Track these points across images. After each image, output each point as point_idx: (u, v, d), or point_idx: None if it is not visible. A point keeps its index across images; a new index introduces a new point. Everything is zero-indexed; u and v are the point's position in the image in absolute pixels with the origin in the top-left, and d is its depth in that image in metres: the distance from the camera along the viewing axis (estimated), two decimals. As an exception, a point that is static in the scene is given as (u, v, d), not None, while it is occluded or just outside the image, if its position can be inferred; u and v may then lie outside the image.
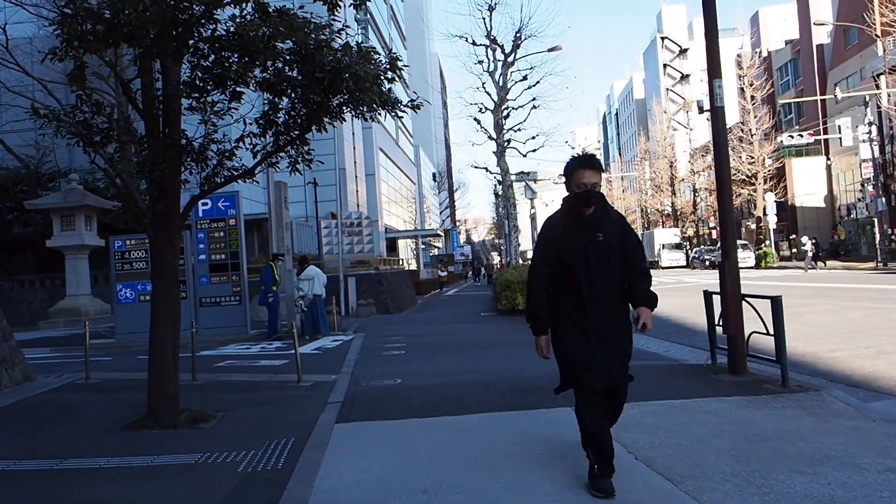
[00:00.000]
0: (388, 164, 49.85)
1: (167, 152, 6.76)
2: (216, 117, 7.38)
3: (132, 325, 15.93)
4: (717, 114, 7.46)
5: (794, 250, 41.86)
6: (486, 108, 28.79)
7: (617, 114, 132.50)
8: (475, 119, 28.64)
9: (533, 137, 28.44)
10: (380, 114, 7.12)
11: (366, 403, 7.20)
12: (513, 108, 28.44)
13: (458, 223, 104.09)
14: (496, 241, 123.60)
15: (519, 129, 28.76)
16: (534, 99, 28.05)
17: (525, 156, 27.91)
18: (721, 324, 7.95)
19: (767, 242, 48.05)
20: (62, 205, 23.10)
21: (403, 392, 7.72)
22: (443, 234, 65.02)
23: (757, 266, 44.44)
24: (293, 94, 6.83)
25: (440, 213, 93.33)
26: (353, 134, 37.83)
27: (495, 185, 49.60)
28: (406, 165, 59.65)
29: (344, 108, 6.80)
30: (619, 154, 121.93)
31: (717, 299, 8.10)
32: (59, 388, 9.08)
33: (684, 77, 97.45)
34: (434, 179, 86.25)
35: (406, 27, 71.95)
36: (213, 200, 15.96)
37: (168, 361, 6.81)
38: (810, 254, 35.94)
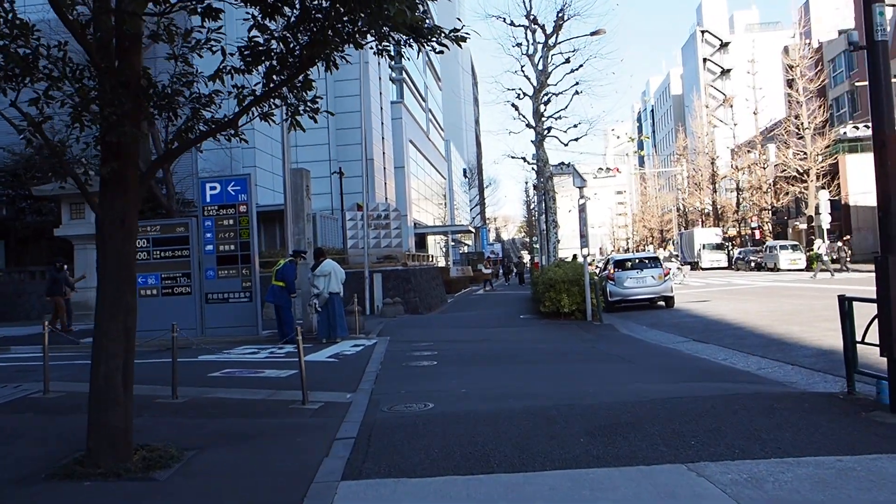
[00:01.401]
0: (419, 158, 47.99)
1: (118, 94, 4.85)
2: (190, 52, 5.49)
3: (131, 322, 14.20)
4: (876, 50, 5.38)
5: (844, 253, 38.93)
6: (525, 94, 26.71)
7: (653, 110, 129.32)
8: (513, 105, 26.57)
9: (575, 125, 26.11)
10: (410, 44, 5.14)
11: (386, 443, 5.25)
12: (553, 94, 26.38)
13: (487, 221, 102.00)
14: (526, 239, 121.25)
15: (559, 117, 26.67)
16: (576, 84, 25.92)
17: (566, 145, 25.86)
18: (863, 340, 5.88)
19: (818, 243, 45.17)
20: (71, 191, 21.52)
21: (437, 424, 5.76)
22: (473, 231, 62.97)
23: (808, 268, 41.77)
24: (289, 11, 4.89)
25: (470, 210, 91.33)
26: (382, 124, 36.01)
27: (532, 177, 47.51)
28: (436, 159, 57.76)
29: (357, 30, 4.83)
30: (655, 151, 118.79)
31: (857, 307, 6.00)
32: (5, 405, 7.27)
33: (725, 72, 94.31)
34: (465, 175, 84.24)
35: (437, 15, 70.01)
36: (222, 184, 14.16)
37: (114, 386, 4.92)
38: (825, 257, 33.13)
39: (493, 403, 6.72)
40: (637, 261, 20.52)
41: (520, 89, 26.73)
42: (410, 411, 6.51)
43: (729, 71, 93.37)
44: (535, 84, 25.91)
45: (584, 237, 15.48)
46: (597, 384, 7.78)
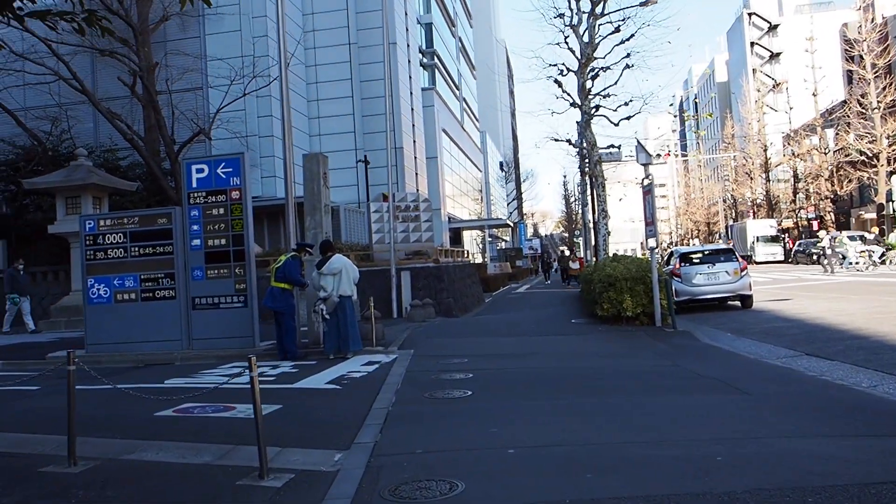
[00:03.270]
0: (453, 148, 45.35)
1: None
2: None
3: (107, 332, 11.90)
4: None
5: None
6: (569, 69, 23.88)
7: (696, 99, 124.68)
8: (556, 81, 23.74)
9: (626, 103, 23.15)
10: None
11: None
12: (601, 69, 23.50)
13: (525, 216, 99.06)
14: (565, 234, 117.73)
15: (608, 95, 23.77)
16: (627, 55, 23.00)
17: (617, 124, 23.01)
18: None
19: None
20: (65, 184, 19.43)
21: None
22: (511, 226, 60.09)
23: (882, 261, 38.13)
24: None
25: (507, 204, 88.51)
26: (413, 110, 33.45)
27: (574, 165, 44.62)
28: (472, 151, 55.03)
29: None
30: (699, 142, 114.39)
31: None
32: None
33: (774, 56, 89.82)
34: (501, 169, 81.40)
35: (473, 7, 67.24)
36: (211, 166, 11.69)
37: None
38: (829, 251, 29.85)
39: (561, 482, 4.07)
40: (707, 253, 17.59)
41: (563, 64, 23.94)
42: (427, 500, 3.90)
43: (779, 55, 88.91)
44: (579, 57, 23.08)
45: (651, 225, 12.69)
46: (715, 437, 5.07)
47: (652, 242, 12.80)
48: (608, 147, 24.04)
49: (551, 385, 7.59)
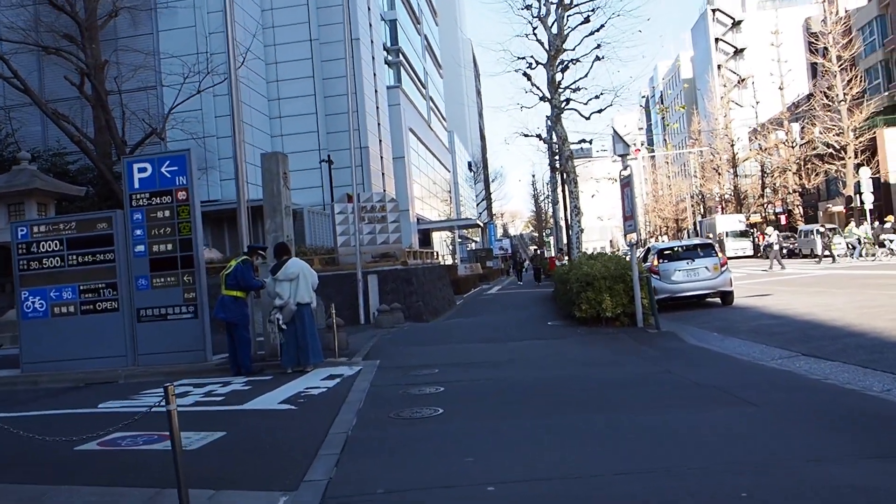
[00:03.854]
0: (420, 148, 44.45)
1: None
2: None
3: (44, 349, 10.85)
4: None
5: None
6: (537, 62, 23.17)
7: (662, 97, 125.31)
8: (524, 74, 23.00)
9: (597, 96, 22.51)
10: None
11: None
12: (571, 62, 22.81)
13: (494, 216, 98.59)
14: (534, 233, 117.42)
15: (578, 88, 23.11)
16: (598, 46, 22.37)
17: (588, 118, 22.33)
18: None
19: (864, 227, 41.43)
20: (6, 189, 18.19)
21: None
22: (481, 226, 59.37)
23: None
24: None
25: (476, 205, 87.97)
26: (378, 108, 32.51)
27: (543, 162, 44.15)
28: (440, 151, 54.18)
29: None
30: (666, 139, 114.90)
31: None
32: None
33: (738, 51, 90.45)
34: (470, 169, 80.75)
35: (438, 4, 66.42)
36: (154, 164, 10.69)
37: None
38: (776, 247, 30.50)
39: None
40: (686, 248, 16.96)
41: (531, 57, 23.24)
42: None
43: (743, 50, 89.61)
44: (548, 50, 22.35)
45: (631, 220, 11.97)
46: (731, 463, 4.30)
47: (633, 238, 12.09)
48: (579, 142, 23.40)
49: (532, 400, 6.77)
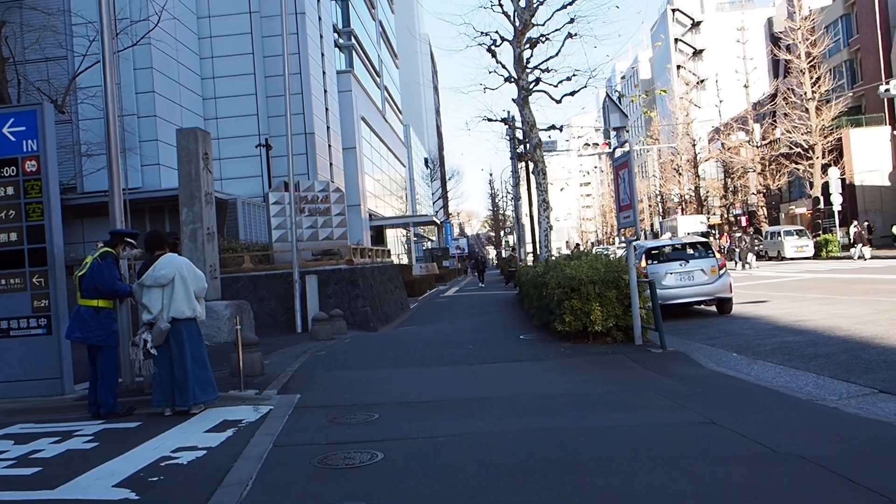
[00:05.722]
0: (374, 140, 41.61)
1: None
2: None
3: None
4: None
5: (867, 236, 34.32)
6: (503, 38, 20.72)
7: (620, 97, 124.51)
8: (489, 50, 20.49)
9: (569, 78, 20.14)
10: None
11: None
12: (541, 39, 20.38)
13: (451, 216, 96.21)
14: (491, 233, 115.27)
15: (548, 69, 20.72)
16: (571, 21, 20.00)
17: (559, 101, 19.93)
18: None
19: (834, 229, 40.14)
20: None
21: None
22: (438, 224, 56.77)
23: (816, 256, 36.84)
24: None
25: (433, 203, 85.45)
26: (326, 92, 29.62)
27: (503, 153, 41.85)
28: (395, 144, 51.37)
29: None
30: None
31: None
32: None
33: (697, 53, 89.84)
34: (426, 165, 78.11)
35: (397, 2, 63.60)
36: (-5, 123, 7.81)
37: None
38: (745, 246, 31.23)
39: None
40: (678, 247, 14.63)
41: (496, 32, 20.75)
42: None
43: (702, 52, 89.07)
44: (515, 24, 19.91)
45: (628, 210, 9.50)
46: None
47: (631, 233, 9.65)
48: (549, 128, 20.97)
49: (527, 491, 4.17)
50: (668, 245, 14.74)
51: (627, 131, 9.60)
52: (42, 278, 7.60)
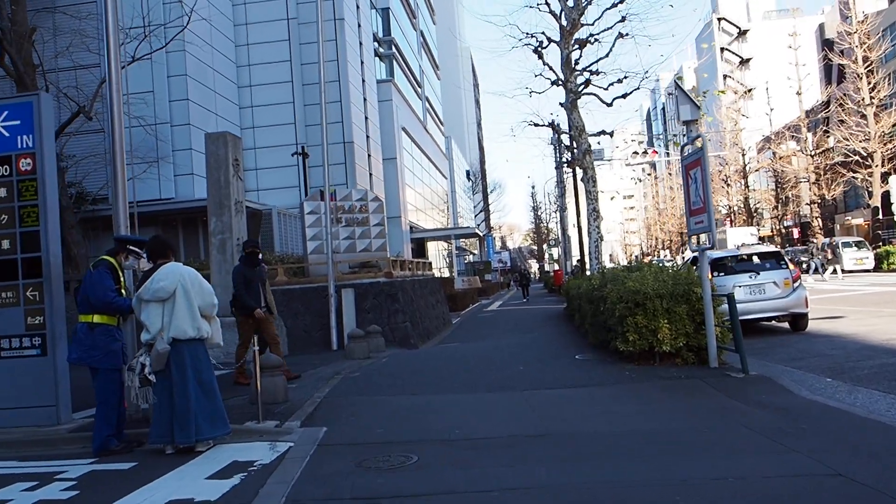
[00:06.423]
0: (415, 151, 40.79)
1: None
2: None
3: None
4: None
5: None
6: (550, 40, 19.64)
7: (664, 108, 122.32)
8: (535, 51, 19.43)
9: (620, 80, 18.95)
10: None
11: None
12: (589, 39, 19.24)
13: (492, 229, 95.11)
14: (533, 247, 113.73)
15: (597, 71, 19.57)
16: (622, 20, 18.82)
17: (610, 104, 18.74)
18: None
19: (895, 240, 37.98)
20: None
21: None
22: (480, 236, 55.66)
23: (877, 269, 34.84)
24: None
25: (474, 217, 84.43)
26: (365, 101, 28.87)
27: (548, 160, 40.83)
28: (436, 156, 50.51)
29: None
30: (668, 151, 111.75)
31: None
32: None
33: (744, 62, 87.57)
34: (468, 178, 77.17)
35: (438, 13, 63.00)
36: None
37: None
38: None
39: None
40: (748, 258, 13.30)
41: (542, 33, 19.68)
42: None
43: (748, 60, 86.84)
44: (563, 24, 18.84)
45: (700, 214, 8.32)
46: None
47: (704, 240, 8.46)
48: (599, 133, 19.77)
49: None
50: (736, 255, 13.42)
51: (700, 125, 8.42)
52: (37, 292, 6.73)
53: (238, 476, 4.80)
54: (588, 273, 18.56)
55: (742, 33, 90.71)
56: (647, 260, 59.55)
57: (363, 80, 28.47)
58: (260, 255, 10.27)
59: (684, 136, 9.68)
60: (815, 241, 41.05)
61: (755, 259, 13.07)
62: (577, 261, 27.01)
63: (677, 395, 7.12)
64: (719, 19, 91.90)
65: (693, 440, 5.33)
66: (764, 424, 5.69)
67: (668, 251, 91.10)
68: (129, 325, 6.61)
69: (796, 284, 12.39)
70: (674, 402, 6.82)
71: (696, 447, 5.14)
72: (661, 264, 10.97)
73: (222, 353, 12.52)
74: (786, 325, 12.96)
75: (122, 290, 6.20)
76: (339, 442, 5.70)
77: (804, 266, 36.24)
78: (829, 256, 32.68)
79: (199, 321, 5.47)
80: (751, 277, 12.38)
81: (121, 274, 6.20)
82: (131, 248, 6.25)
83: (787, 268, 12.63)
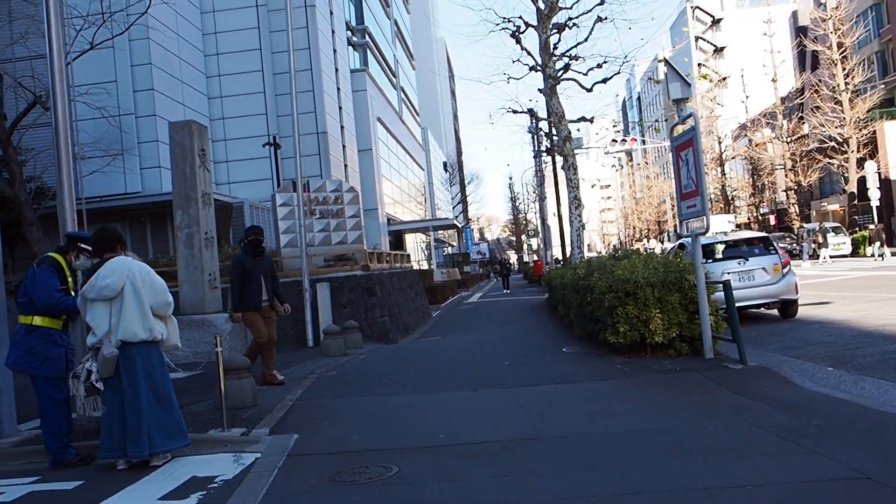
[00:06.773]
0: (391, 142, 40.12)
1: None
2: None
3: None
4: None
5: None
6: (528, 24, 19.14)
7: (640, 98, 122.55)
8: (512, 35, 18.92)
9: (600, 65, 18.54)
10: None
11: None
12: (568, 23, 18.78)
13: (470, 220, 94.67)
14: (511, 237, 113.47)
15: (576, 56, 19.09)
16: (601, 3, 18.38)
17: (590, 90, 18.27)
18: None
19: (872, 226, 38.06)
20: None
21: None
22: (458, 228, 55.17)
23: (854, 254, 35.03)
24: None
25: (452, 208, 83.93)
26: (339, 90, 28.18)
27: (526, 147, 40.54)
28: (413, 147, 49.87)
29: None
30: (644, 139, 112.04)
31: None
32: None
33: (718, 50, 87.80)
34: (445, 169, 76.59)
35: (412, 2, 62.24)
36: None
37: None
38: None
39: None
40: (735, 243, 12.94)
41: (520, 17, 19.17)
42: None
43: (723, 49, 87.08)
44: (541, 7, 18.33)
45: (692, 197, 7.88)
46: None
47: (697, 224, 8.02)
48: (579, 119, 19.33)
49: None
50: (723, 241, 13.05)
51: (691, 104, 7.97)
52: (-25, 291, 6.11)
53: (195, 495, 4.25)
54: (570, 262, 18.16)
55: (716, 22, 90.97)
56: (639, 247, 59.44)
57: (336, 70, 27.78)
58: (264, 244, 9.39)
59: (665, 120, 9.27)
60: (803, 227, 41.13)
61: (743, 245, 12.70)
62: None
63: (676, 390, 6.67)
64: (693, 8, 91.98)
65: (703, 442, 4.87)
66: (774, 422, 5.26)
67: (654, 239, 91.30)
68: (78, 327, 6.02)
69: (786, 270, 12.05)
70: (674, 398, 6.37)
71: (705, 449, 4.68)
72: (651, 250, 10.59)
73: (191, 353, 11.93)
74: (775, 311, 12.64)
75: (72, 291, 5.59)
76: (311, 451, 5.17)
77: (794, 251, 36.40)
78: (820, 241, 32.90)
79: (152, 322, 4.89)
80: (739, 264, 12.02)
81: (68, 273, 5.58)
82: (82, 245, 5.62)
83: (776, 253, 12.28)
